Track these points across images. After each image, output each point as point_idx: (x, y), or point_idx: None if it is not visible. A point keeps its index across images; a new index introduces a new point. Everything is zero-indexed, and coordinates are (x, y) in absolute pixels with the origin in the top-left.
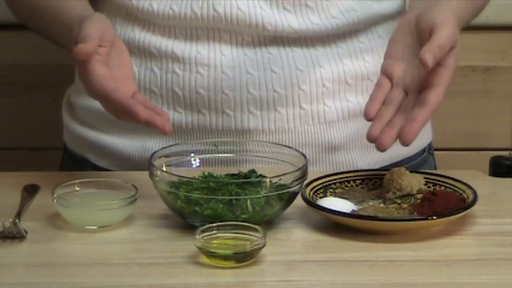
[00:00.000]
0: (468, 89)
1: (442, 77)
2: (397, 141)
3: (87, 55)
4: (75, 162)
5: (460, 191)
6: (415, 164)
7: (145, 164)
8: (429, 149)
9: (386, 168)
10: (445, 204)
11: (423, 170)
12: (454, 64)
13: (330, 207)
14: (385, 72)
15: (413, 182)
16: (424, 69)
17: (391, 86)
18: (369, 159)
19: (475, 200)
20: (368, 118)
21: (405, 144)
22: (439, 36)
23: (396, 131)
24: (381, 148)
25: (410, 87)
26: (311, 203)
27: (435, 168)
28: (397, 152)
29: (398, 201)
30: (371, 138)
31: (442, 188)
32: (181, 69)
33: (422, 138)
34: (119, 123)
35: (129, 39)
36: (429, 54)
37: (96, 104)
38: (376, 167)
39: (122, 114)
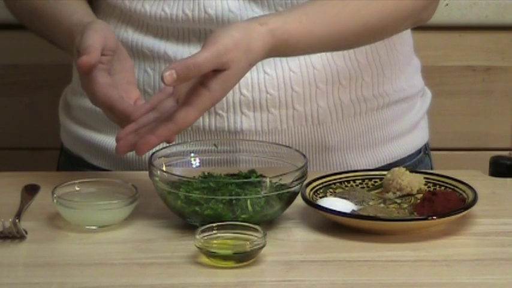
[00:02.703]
0: (468, 89)
1: (200, 98)
2: (392, 143)
3: (90, 67)
4: (71, 162)
5: (460, 191)
6: (411, 164)
7: (139, 163)
8: (425, 150)
9: (382, 169)
10: (445, 204)
11: (419, 170)
12: (220, 88)
13: (330, 207)
14: None
15: (414, 182)
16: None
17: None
18: (364, 160)
19: (475, 200)
20: (130, 119)
21: (138, 154)
22: (195, 56)
23: (135, 140)
24: (116, 153)
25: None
26: (311, 203)
27: (431, 169)
28: (391, 153)
29: (398, 201)
30: (116, 139)
31: (442, 188)
32: None
33: (418, 140)
34: (113, 123)
35: (122, 40)
36: (169, 71)
37: (91, 104)
38: (371, 167)
39: (125, 123)
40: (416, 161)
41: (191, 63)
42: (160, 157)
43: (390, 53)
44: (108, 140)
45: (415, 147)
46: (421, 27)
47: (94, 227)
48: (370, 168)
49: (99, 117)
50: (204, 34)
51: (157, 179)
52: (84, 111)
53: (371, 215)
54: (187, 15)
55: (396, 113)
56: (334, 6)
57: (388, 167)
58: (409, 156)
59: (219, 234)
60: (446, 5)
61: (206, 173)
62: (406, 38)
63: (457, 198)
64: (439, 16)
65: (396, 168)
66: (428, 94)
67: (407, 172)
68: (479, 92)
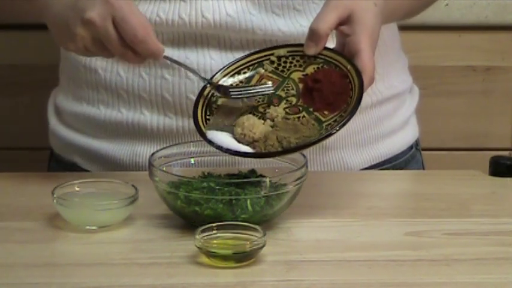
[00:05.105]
0: (468, 89)
1: (359, 42)
2: (385, 140)
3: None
4: (63, 167)
5: (333, 62)
6: (404, 160)
7: (135, 169)
8: (416, 145)
9: (377, 166)
10: (332, 89)
11: (411, 166)
12: (361, 27)
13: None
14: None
15: (262, 128)
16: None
17: None
18: (359, 157)
19: (359, 75)
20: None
21: None
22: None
23: None
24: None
25: None
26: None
27: (422, 164)
28: (386, 149)
29: (283, 95)
30: None
31: (314, 66)
32: (170, 74)
33: (410, 136)
34: (108, 129)
35: None
36: (306, 45)
37: (84, 110)
38: (367, 165)
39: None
40: (409, 157)
41: (313, 26)
42: (160, 157)
43: (382, 49)
44: (103, 146)
45: (407, 143)
46: (422, 27)
47: (94, 227)
48: (367, 166)
49: (93, 123)
50: (200, 37)
51: (157, 179)
52: (77, 117)
53: (286, 137)
54: (183, 19)
55: (388, 110)
56: None
57: (383, 164)
58: (402, 152)
59: (219, 234)
60: (446, 5)
61: (206, 173)
62: (394, 34)
63: (338, 74)
64: (439, 16)
65: (244, 118)
66: (416, 90)
67: (256, 120)
68: (479, 92)
